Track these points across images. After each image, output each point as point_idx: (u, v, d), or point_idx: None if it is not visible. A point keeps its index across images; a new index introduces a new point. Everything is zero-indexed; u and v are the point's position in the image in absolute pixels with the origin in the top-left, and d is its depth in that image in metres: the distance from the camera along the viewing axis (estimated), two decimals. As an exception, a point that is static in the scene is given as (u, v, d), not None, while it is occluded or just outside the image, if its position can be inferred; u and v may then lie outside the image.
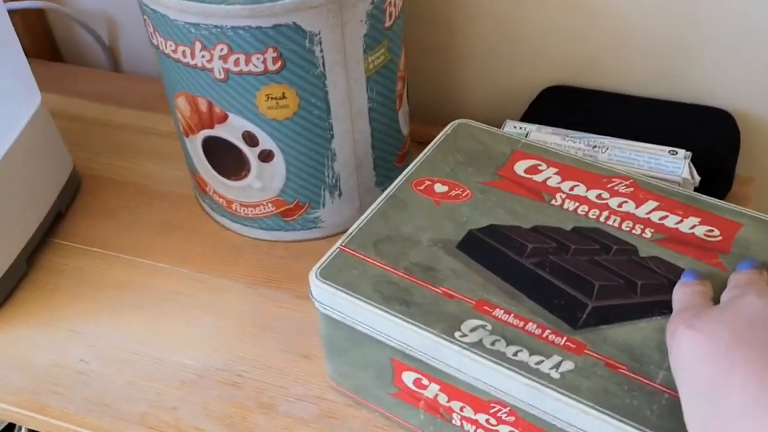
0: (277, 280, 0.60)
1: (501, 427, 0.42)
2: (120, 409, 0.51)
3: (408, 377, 0.44)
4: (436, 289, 0.42)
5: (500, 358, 0.39)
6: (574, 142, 0.57)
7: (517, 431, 0.41)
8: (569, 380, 0.37)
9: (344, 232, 0.47)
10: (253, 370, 0.53)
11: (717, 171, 0.58)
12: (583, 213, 0.47)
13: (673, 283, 0.41)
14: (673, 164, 0.54)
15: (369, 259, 0.45)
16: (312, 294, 0.45)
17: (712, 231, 0.44)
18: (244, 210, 0.62)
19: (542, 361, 0.38)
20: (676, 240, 0.44)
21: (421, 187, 0.49)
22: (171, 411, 0.51)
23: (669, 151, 0.55)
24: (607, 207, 0.47)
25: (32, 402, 0.52)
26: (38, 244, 0.63)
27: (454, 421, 0.44)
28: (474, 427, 0.44)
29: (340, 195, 0.61)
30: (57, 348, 0.56)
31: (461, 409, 0.43)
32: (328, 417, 0.50)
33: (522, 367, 0.38)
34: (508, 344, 0.39)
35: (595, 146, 0.56)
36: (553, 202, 0.47)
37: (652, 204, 0.47)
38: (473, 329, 0.40)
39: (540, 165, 0.50)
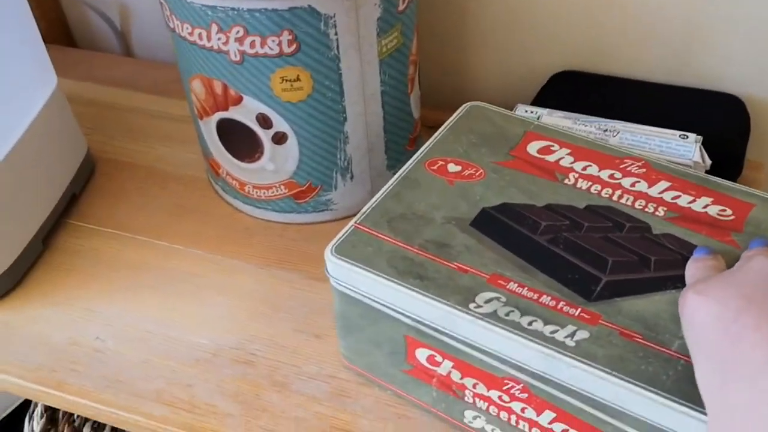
0: (290, 262, 0.60)
1: (513, 404, 0.43)
2: (136, 386, 0.52)
3: (421, 354, 0.45)
4: (450, 265, 0.43)
5: (515, 327, 0.39)
6: (585, 126, 0.57)
7: (529, 408, 0.42)
8: (584, 348, 0.38)
9: (355, 215, 0.47)
10: (266, 349, 0.54)
11: (727, 156, 0.58)
12: (596, 192, 0.47)
13: (686, 259, 0.42)
14: (684, 148, 0.54)
15: (383, 236, 0.45)
16: (327, 271, 0.45)
17: (724, 210, 0.45)
18: (256, 192, 0.62)
19: (557, 331, 0.39)
20: (688, 219, 0.45)
21: (434, 167, 0.50)
22: (186, 388, 0.52)
23: (680, 136, 0.56)
24: (619, 186, 0.47)
25: (49, 379, 0.53)
26: (54, 225, 0.63)
27: (466, 399, 0.45)
28: (486, 404, 0.44)
29: (351, 178, 0.61)
30: (73, 326, 0.56)
31: (474, 386, 0.44)
32: (340, 395, 0.51)
33: (537, 336, 0.39)
34: (522, 315, 0.40)
35: (606, 130, 0.56)
36: (566, 181, 0.48)
37: (664, 184, 0.47)
38: (488, 301, 0.41)
39: (553, 146, 0.50)
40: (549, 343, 0.38)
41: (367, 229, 0.46)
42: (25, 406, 0.69)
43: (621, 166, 0.48)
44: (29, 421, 0.62)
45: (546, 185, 0.48)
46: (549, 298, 0.41)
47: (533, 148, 0.50)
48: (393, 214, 0.47)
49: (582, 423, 0.40)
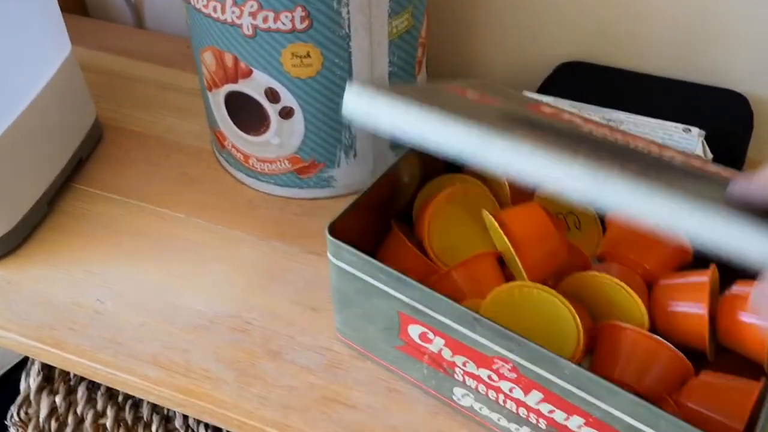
0: (290, 235, 0.61)
1: (502, 384, 0.43)
2: (133, 348, 0.53)
3: (414, 331, 0.46)
4: None
5: None
6: (589, 116, 0.57)
7: (517, 388, 0.43)
8: None
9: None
10: (262, 318, 0.55)
11: (729, 152, 0.59)
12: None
13: None
14: (686, 141, 0.55)
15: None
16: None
17: None
18: (260, 165, 0.63)
19: None
20: None
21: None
22: (182, 353, 0.53)
23: (683, 129, 0.56)
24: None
25: (50, 337, 0.54)
26: (60, 188, 0.64)
27: (456, 376, 0.46)
28: (476, 383, 0.45)
29: (354, 156, 0.62)
30: (74, 287, 0.57)
31: (464, 364, 0.44)
32: (333, 367, 0.52)
33: None
34: None
35: (609, 120, 0.57)
36: (585, 128, 0.47)
37: None
38: None
39: (563, 114, 0.50)
40: None
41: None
42: (23, 363, 0.70)
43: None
44: (26, 378, 0.63)
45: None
46: None
47: (545, 109, 0.49)
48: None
49: (569, 404, 0.41)
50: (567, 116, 0.49)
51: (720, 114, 0.63)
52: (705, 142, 0.55)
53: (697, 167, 0.43)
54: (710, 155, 0.54)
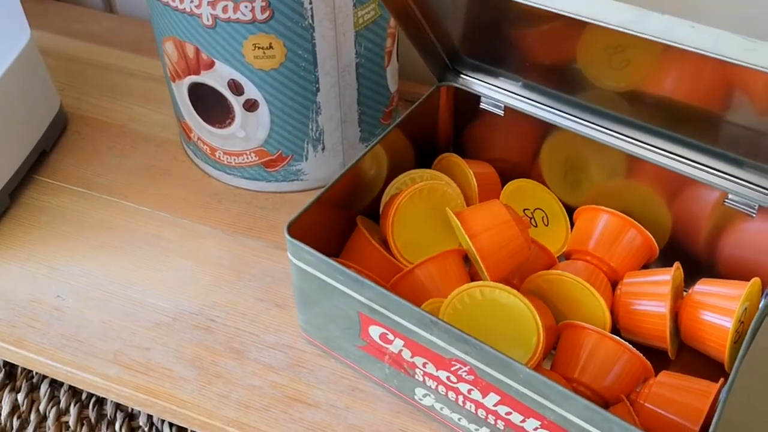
0: (257, 230, 0.60)
1: (461, 385, 0.43)
2: (94, 346, 0.52)
3: (374, 331, 0.45)
4: None
5: None
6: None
7: (476, 389, 0.42)
8: None
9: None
10: (226, 316, 0.54)
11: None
12: None
13: None
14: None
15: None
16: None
17: None
18: (227, 158, 0.62)
19: None
20: None
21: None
22: (143, 351, 0.52)
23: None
24: None
25: (9, 334, 0.53)
26: (21, 180, 0.63)
27: (417, 377, 0.45)
28: (435, 384, 0.45)
29: (323, 149, 0.61)
30: (35, 283, 0.56)
31: (424, 365, 0.44)
32: (297, 365, 0.51)
33: None
34: None
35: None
36: None
37: None
38: None
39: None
40: None
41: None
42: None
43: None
44: (-12, 375, 0.62)
45: None
46: None
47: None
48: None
49: (525, 407, 0.40)
50: None
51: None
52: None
53: None
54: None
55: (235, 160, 0.62)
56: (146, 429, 0.58)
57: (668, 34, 0.37)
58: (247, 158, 0.61)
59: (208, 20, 0.52)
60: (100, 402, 0.59)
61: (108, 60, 0.77)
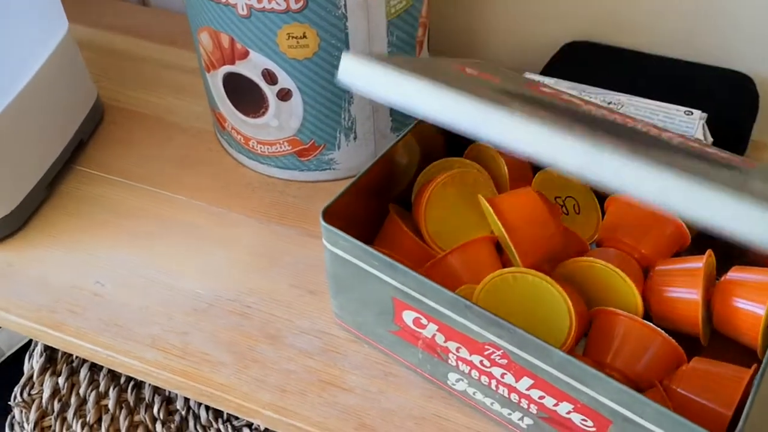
0: (290, 218, 0.61)
1: (494, 369, 0.43)
2: (132, 330, 0.54)
3: (408, 316, 0.46)
4: None
5: None
6: (590, 98, 0.57)
7: (509, 374, 0.43)
8: None
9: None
10: (261, 302, 0.55)
11: (733, 134, 0.58)
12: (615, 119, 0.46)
13: None
14: (687, 124, 0.54)
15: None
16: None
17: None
18: (260, 148, 0.63)
19: None
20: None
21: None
22: (180, 336, 0.53)
23: (685, 112, 0.55)
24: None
25: (49, 319, 0.54)
26: (60, 170, 0.65)
27: (450, 361, 0.46)
28: (468, 368, 0.45)
29: (355, 138, 0.62)
30: (75, 270, 0.58)
31: (457, 349, 0.45)
32: (331, 351, 0.52)
33: None
34: None
35: (610, 103, 0.56)
36: (583, 107, 0.47)
37: None
38: None
39: (562, 94, 0.49)
40: None
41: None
42: (29, 344, 0.71)
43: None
44: (29, 359, 0.64)
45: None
46: None
47: (545, 88, 0.48)
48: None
49: (558, 391, 0.41)
50: (566, 96, 0.49)
51: (725, 95, 0.62)
52: (706, 126, 0.54)
53: (695, 148, 0.43)
54: (710, 138, 0.54)
55: (268, 149, 0.63)
56: (183, 412, 0.59)
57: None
58: (281, 147, 0.62)
59: (243, 10, 0.53)
60: (139, 385, 0.61)
61: (143, 52, 0.79)
